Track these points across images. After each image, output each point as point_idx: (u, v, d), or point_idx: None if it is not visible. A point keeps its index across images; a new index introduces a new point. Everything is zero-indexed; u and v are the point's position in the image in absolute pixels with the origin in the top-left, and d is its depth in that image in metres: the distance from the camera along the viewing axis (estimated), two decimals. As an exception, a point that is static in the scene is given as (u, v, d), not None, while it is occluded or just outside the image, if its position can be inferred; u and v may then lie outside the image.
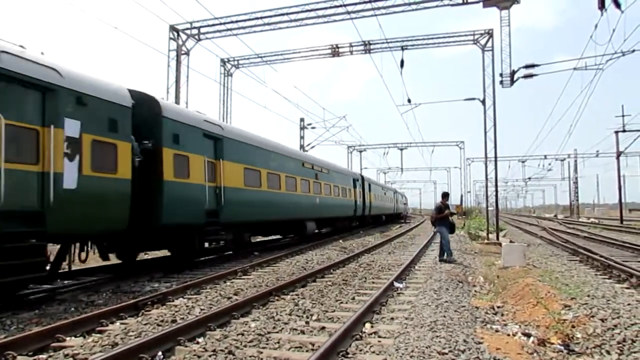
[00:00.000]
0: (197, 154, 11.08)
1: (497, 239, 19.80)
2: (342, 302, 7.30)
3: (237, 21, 20.20)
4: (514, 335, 5.54)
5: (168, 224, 10.08)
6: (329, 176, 22.07)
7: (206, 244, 11.85)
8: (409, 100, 23.93)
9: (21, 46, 7.11)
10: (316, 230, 20.59)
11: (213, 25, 20.25)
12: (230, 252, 14.07)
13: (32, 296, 7.95)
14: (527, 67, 17.96)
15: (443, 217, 12.77)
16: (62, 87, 7.46)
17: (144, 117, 9.54)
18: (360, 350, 4.88)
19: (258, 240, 19.60)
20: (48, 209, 7.08)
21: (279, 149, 16.60)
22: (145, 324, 5.89)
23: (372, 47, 21.85)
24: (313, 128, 33.59)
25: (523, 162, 59.72)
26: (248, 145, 13.95)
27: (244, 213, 13.38)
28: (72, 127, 7.60)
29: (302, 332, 5.61)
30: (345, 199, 25.06)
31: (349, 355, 4.73)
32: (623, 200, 39.52)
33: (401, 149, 50.73)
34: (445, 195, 13.50)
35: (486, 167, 21.31)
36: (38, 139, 7.07)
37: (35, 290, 8.30)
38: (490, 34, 20.20)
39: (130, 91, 9.27)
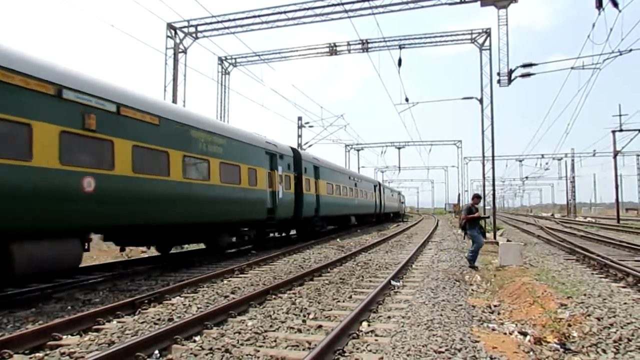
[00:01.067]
0: (311, 177, 19.58)
1: (494, 237, 19.83)
2: (339, 301, 7.30)
3: (234, 19, 20.14)
4: (510, 334, 5.55)
5: (304, 216, 18.30)
6: (361, 184, 30.73)
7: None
8: (407, 99, 24.00)
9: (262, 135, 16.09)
10: (356, 223, 29.93)
11: (211, 23, 20.20)
12: (234, 250, 15.57)
13: (29, 294, 7.94)
14: (524, 66, 17.99)
15: (474, 219, 12.00)
16: (277, 152, 15.89)
17: (293, 159, 17.74)
18: (357, 349, 4.88)
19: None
20: (275, 207, 15.33)
21: (338, 169, 25.38)
22: (142, 323, 5.89)
23: (369, 45, 21.82)
24: (311, 127, 33.61)
25: (520, 161, 60.03)
26: (326, 168, 22.16)
27: (327, 210, 21.54)
28: (279, 169, 15.86)
29: (299, 331, 5.62)
30: (370, 200, 34.03)
31: (346, 354, 4.73)
32: (620, 200, 39.63)
33: (399, 148, 50.77)
34: (477, 197, 12.47)
35: (483, 166, 21.35)
36: (271, 176, 15.31)
37: (33, 289, 8.37)
38: (487, 33, 20.22)
39: (291, 147, 18.10)
